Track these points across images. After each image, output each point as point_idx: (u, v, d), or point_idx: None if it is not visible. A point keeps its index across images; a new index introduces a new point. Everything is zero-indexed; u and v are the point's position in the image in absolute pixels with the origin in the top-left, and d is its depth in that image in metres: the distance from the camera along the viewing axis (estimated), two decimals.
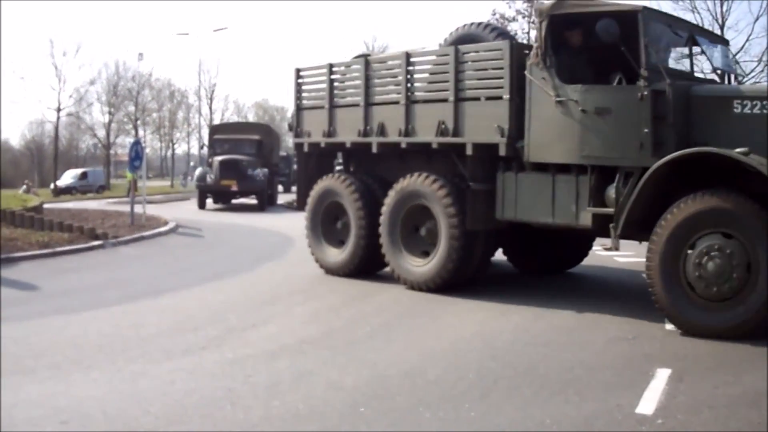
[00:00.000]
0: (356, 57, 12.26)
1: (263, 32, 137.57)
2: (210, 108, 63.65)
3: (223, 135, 31.90)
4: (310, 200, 12.05)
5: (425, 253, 10.41)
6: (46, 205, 23.90)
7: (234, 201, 30.63)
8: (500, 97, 9.55)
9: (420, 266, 10.36)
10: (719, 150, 7.91)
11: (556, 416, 5.46)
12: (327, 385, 6.12)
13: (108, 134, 57.70)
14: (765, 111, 8.28)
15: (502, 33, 11.02)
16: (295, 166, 19.06)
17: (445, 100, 10.14)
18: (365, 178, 11.56)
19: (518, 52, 9.61)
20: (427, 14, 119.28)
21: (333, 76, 11.82)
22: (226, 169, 28.14)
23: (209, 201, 29.80)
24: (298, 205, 13.07)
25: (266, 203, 29.20)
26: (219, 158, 28.73)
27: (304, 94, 12.53)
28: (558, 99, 8.99)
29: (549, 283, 11.18)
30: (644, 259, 8.31)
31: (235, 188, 28.31)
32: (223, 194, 29.64)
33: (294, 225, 17.20)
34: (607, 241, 9.28)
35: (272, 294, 10.28)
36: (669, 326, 8.31)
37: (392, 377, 6.37)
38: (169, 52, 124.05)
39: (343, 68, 11.99)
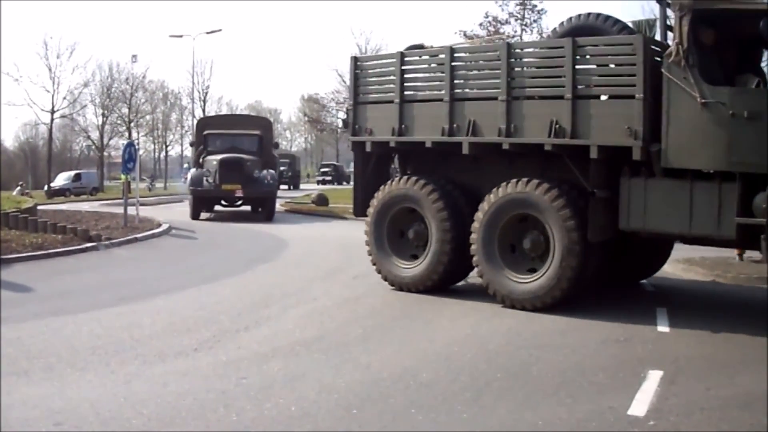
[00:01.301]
0: (410, 48, 11.10)
1: (256, 34, 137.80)
2: (203, 110, 63.60)
3: (215, 129, 25.95)
4: (374, 207, 10.83)
5: (531, 270, 9.48)
6: (39, 207, 23.79)
7: (232, 208, 25.58)
8: (632, 96, 8.74)
9: (526, 283, 9.37)
10: None
11: (549, 418, 5.48)
12: (320, 387, 6.12)
13: (101, 136, 57.70)
14: None
15: (626, 26, 9.96)
16: (297, 167, 18.13)
17: (559, 97, 9.19)
18: (443, 183, 10.45)
19: (651, 48, 8.93)
20: (417, 16, 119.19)
21: (406, 67, 10.59)
22: (228, 171, 22.80)
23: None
24: (356, 212, 11.87)
25: (274, 212, 24.18)
26: (219, 157, 23.27)
27: (364, 87, 11.15)
28: (704, 101, 8.42)
29: None
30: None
31: (240, 193, 23.24)
32: (225, 201, 24.61)
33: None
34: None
35: (265, 296, 10.24)
36: (661, 328, 8.36)
37: (385, 379, 6.39)
38: (163, 53, 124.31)
39: (419, 58, 10.88)
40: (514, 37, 28.93)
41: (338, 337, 7.94)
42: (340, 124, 12.40)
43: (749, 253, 12.84)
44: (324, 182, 63.79)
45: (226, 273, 12.48)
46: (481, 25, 31.46)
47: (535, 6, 31.44)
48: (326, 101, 49.72)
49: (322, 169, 69.10)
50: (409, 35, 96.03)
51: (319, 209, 28.04)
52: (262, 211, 24.10)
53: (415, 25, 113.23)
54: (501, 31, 30.66)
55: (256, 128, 26.57)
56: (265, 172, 23.88)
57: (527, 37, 29.82)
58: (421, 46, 11.10)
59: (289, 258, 14.26)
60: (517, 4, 31.39)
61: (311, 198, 29.96)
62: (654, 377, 6.46)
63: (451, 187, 10.39)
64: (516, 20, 31.42)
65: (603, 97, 9.16)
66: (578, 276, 9.10)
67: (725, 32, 8.82)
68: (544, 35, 29.36)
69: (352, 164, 13.09)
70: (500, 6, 31.62)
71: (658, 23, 10.26)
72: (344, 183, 61.84)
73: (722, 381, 6.45)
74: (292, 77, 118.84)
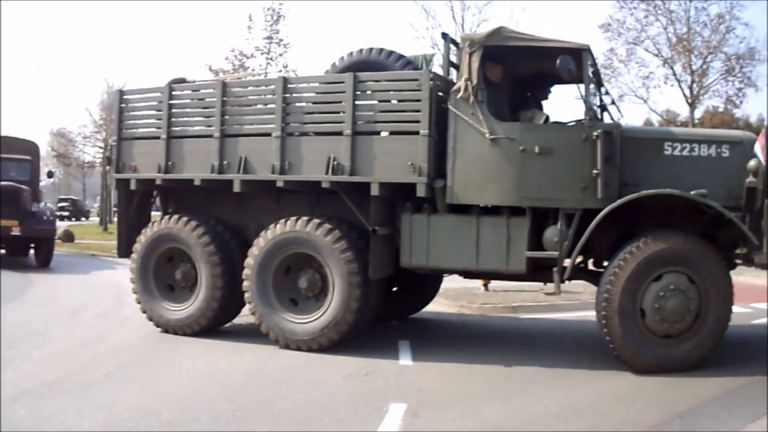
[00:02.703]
0: (172, 82, 10.52)
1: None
2: None
3: None
4: (140, 246, 10.25)
5: (308, 310, 9.25)
6: None
7: None
8: (416, 132, 8.65)
9: (304, 323, 9.10)
10: (681, 192, 8.03)
11: None
12: (65, 429, 5.99)
13: None
14: (693, 153, 8.60)
15: (409, 62, 9.86)
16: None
17: (338, 133, 9.00)
18: (212, 222, 10.05)
19: (436, 83, 8.82)
20: (164, 53, 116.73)
21: (174, 101, 10.13)
22: (6, 202, 18.10)
23: None
24: (120, 252, 10.96)
25: (51, 256, 19.67)
26: None
27: (130, 122, 10.57)
28: (493, 137, 8.51)
29: None
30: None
31: (17, 231, 18.37)
32: None
33: None
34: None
35: (11, 337, 9.59)
36: (403, 361, 8.61)
37: (127, 421, 6.27)
38: None
39: (189, 92, 10.48)
40: (259, 73, 29.10)
41: (82, 377, 7.71)
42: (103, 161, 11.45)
43: (494, 284, 13.48)
44: (62, 218, 60.40)
45: None
46: (227, 59, 31.39)
47: (282, 40, 31.80)
48: (73, 135, 47.63)
49: (60, 204, 64.93)
50: (162, 72, 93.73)
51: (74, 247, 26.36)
52: (37, 254, 19.79)
53: (163, 62, 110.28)
54: (246, 65, 30.79)
55: (26, 153, 21.07)
56: (42, 205, 20.15)
57: (272, 71, 30.17)
58: (183, 80, 10.71)
59: (36, 296, 13.42)
60: (263, 38, 31.61)
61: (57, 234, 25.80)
62: (397, 411, 6.55)
63: (219, 226, 10.06)
64: (262, 54, 31.55)
65: (384, 133, 9.08)
66: (359, 316, 8.99)
67: (510, 68, 9.13)
68: (291, 70, 29.88)
69: (97, 198, 12.37)
70: (247, 40, 31.63)
71: (435, 58, 10.48)
72: (82, 219, 60.10)
73: (467, 412, 6.63)
74: (40, 111, 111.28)
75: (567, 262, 8.50)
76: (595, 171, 8.22)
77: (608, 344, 8.14)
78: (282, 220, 9.26)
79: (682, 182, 8.28)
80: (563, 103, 10.56)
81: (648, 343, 8.06)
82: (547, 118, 9.06)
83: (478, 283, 13.87)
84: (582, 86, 8.58)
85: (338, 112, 9.17)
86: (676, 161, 8.63)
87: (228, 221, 10.19)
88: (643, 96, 32.57)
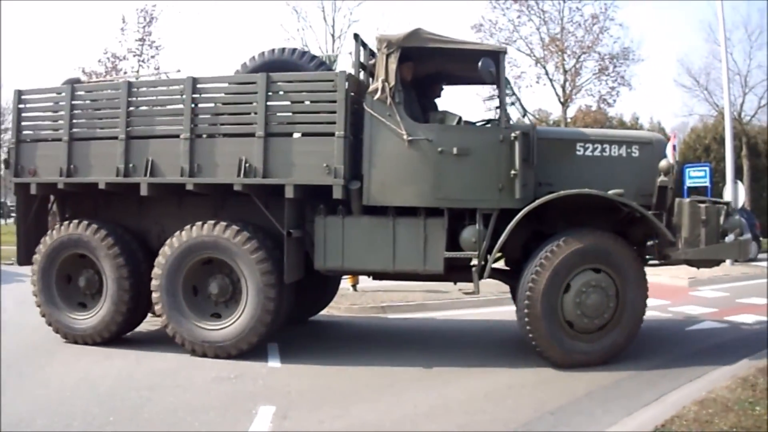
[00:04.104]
0: (66, 82, 10.07)
1: None
2: None
3: None
4: (41, 254, 9.74)
5: (215, 315, 9.08)
6: None
7: None
8: (331, 134, 8.53)
9: (218, 329, 8.89)
10: (598, 192, 8.29)
11: None
12: None
13: None
14: (605, 153, 8.96)
15: (323, 63, 9.73)
16: None
17: (250, 135, 8.74)
18: (116, 227, 9.68)
19: (352, 84, 8.76)
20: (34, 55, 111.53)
21: (76, 102, 9.60)
22: None
23: None
24: (20, 260, 10.40)
25: None
26: None
27: (29, 123, 9.96)
28: (410, 138, 8.51)
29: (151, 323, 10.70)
30: None
31: None
32: None
33: None
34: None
35: None
36: (272, 363, 8.56)
37: (2, 428, 6.13)
38: None
39: (92, 93, 9.98)
40: (134, 75, 28.28)
41: None
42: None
43: (363, 284, 13.52)
44: None
45: None
46: (99, 61, 30.51)
47: (154, 42, 31.14)
48: None
49: None
50: (34, 74, 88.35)
51: None
52: None
53: (35, 64, 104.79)
54: (119, 67, 29.96)
55: None
56: None
57: (144, 73, 29.38)
58: (78, 80, 10.20)
59: None
60: (136, 40, 30.86)
61: None
62: (266, 413, 6.56)
63: (122, 231, 9.68)
64: (134, 56, 30.87)
65: (296, 135, 8.87)
66: (275, 318, 8.86)
67: (416, 69, 9.13)
68: (163, 73, 29.11)
69: None
70: (120, 42, 30.87)
71: (340, 59, 10.25)
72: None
73: (336, 413, 6.68)
74: None
75: (475, 261, 8.62)
76: (513, 172, 8.37)
77: (531, 341, 8.33)
78: (188, 226, 9.01)
79: (594, 182, 8.62)
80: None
81: (569, 339, 8.33)
82: (460, 119, 9.04)
83: (346, 284, 13.92)
84: (495, 88, 8.79)
85: (250, 113, 8.94)
86: (588, 161, 8.99)
87: (129, 226, 9.84)
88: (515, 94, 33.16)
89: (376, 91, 8.61)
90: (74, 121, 9.53)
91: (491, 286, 12.96)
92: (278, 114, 8.89)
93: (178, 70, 10.42)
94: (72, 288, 9.84)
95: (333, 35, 32.44)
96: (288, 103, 9.06)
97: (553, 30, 30.84)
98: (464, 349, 9.34)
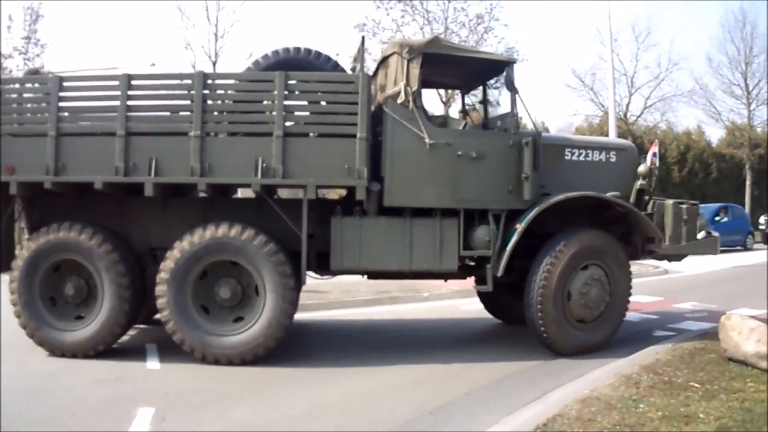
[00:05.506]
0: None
1: None
2: None
3: None
4: (23, 260, 8.84)
5: (237, 319, 8.76)
6: None
7: None
8: (350, 135, 8.49)
9: (232, 335, 8.60)
10: (600, 194, 9.19)
11: None
12: None
13: None
14: (588, 158, 9.87)
15: (337, 64, 9.70)
16: None
17: (266, 134, 8.51)
18: (107, 230, 9.01)
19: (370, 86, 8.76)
20: None
21: (65, 93, 8.77)
22: None
23: None
24: (1, 267, 9.42)
25: None
26: None
27: (7, 116, 8.87)
28: (432, 142, 8.73)
29: None
30: None
31: None
32: None
33: None
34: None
35: None
36: (150, 365, 8.52)
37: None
38: None
39: (87, 83, 9.09)
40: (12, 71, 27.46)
41: None
42: None
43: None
44: None
45: None
46: None
47: (39, 40, 30.35)
48: None
49: None
50: None
51: None
52: None
53: None
54: (4, 66, 28.98)
55: None
56: None
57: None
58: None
59: None
60: (21, 38, 29.92)
61: None
62: (145, 415, 6.54)
63: (111, 234, 9.04)
64: (20, 54, 29.92)
65: (311, 135, 8.79)
66: (291, 321, 8.75)
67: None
68: (48, 72, 28.24)
69: None
70: (6, 40, 29.82)
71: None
72: None
73: (215, 415, 6.68)
74: None
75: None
76: (524, 174, 8.93)
77: (542, 334, 8.99)
78: (200, 229, 8.65)
79: (579, 184, 9.45)
80: None
81: (573, 330, 9.13)
82: (466, 123, 9.76)
83: None
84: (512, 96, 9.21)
85: (265, 112, 8.77)
86: (574, 165, 9.82)
87: (109, 228, 9.15)
88: None
89: (397, 95, 8.80)
90: (62, 114, 8.75)
91: (370, 286, 13.30)
92: (295, 113, 8.81)
93: (153, 65, 9.99)
94: (58, 297, 9.06)
95: (216, 34, 32.27)
96: (305, 102, 9.00)
97: (437, 30, 31.03)
98: (342, 350, 9.47)
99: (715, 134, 60.65)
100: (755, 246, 32.38)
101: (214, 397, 7.26)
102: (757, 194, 45.36)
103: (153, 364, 8.58)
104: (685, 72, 73.31)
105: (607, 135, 26.18)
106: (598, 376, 7.76)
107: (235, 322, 8.77)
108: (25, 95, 9.13)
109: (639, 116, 45.18)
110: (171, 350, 9.03)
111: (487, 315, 11.94)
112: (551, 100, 76.38)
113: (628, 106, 44.36)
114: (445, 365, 8.75)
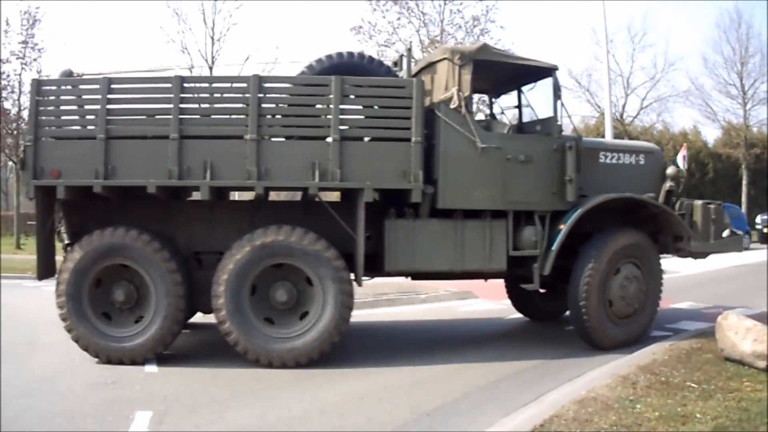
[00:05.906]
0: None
1: None
2: None
3: None
4: (70, 265, 8.61)
5: (271, 321, 8.79)
6: None
7: None
8: (404, 139, 8.70)
9: (291, 338, 8.61)
10: (639, 196, 9.64)
11: None
12: None
13: None
14: (619, 161, 10.29)
15: (390, 69, 9.81)
16: None
17: (321, 138, 8.67)
18: (155, 234, 8.84)
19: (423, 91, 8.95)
20: None
21: (114, 96, 8.66)
22: None
23: None
24: (40, 274, 9.06)
25: None
26: None
27: (49, 118, 8.74)
28: (483, 146, 8.97)
29: None
30: None
31: None
32: None
33: None
34: None
35: None
36: (148, 369, 8.47)
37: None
38: None
39: (137, 85, 8.97)
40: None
41: None
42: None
43: None
44: None
45: None
46: None
47: (36, 44, 30.27)
48: None
49: None
50: None
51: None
52: None
53: None
54: (2, 71, 29.19)
55: None
56: None
57: (27, 77, 28.67)
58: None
59: None
60: (19, 42, 30.05)
61: None
62: (143, 418, 6.53)
63: (158, 236, 8.87)
64: (17, 59, 29.94)
65: (366, 139, 8.91)
66: (347, 325, 8.80)
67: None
68: (45, 76, 28.28)
69: None
70: (3, 45, 29.80)
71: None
72: None
73: (212, 417, 6.69)
74: None
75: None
76: (568, 177, 9.28)
77: (586, 329, 9.36)
78: (260, 230, 8.64)
79: (611, 186, 9.84)
80: None
81: (612, 325, 9.49)
82: (510, 127, 10.14)
83: None
84: (555, 102, 9.67)
85: (320, 116, 8.84)
86: (607, 168, 10.26)
87: (156, 232, 8.96)
88: None
89: (449, 100, 9.03)
90: (112, 117, 8.64)
91: (367, 288, 13.31)
92: (351, 117, 8.90)
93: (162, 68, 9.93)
94: (104, 303, 8.86)
95: (213, 38, 32.24)
96: (360, 107, 9.08)
97: (433, 32, 31.16)
98: (340, 351, 9.30)
99: (711, 134, 60.77)
100: (752, 245, 32.47)
101: (211, 400, 7.27)
102: (754, 194, 45.49)
103: (151, 367, 8.54)
104: (681, 72, 73.72)
105: (603, 136, 26.23)
106: (595, 377, 7.80)
107: (273, 324, 8.81)
108: (65, 97, 9.02)
109: (635, 117, 45.33)
110: (169, 353, 9.07)
111: (484, 316, 12.01)
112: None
113: (624, 106, 44.57)
114: (443, 367, 8.77)
